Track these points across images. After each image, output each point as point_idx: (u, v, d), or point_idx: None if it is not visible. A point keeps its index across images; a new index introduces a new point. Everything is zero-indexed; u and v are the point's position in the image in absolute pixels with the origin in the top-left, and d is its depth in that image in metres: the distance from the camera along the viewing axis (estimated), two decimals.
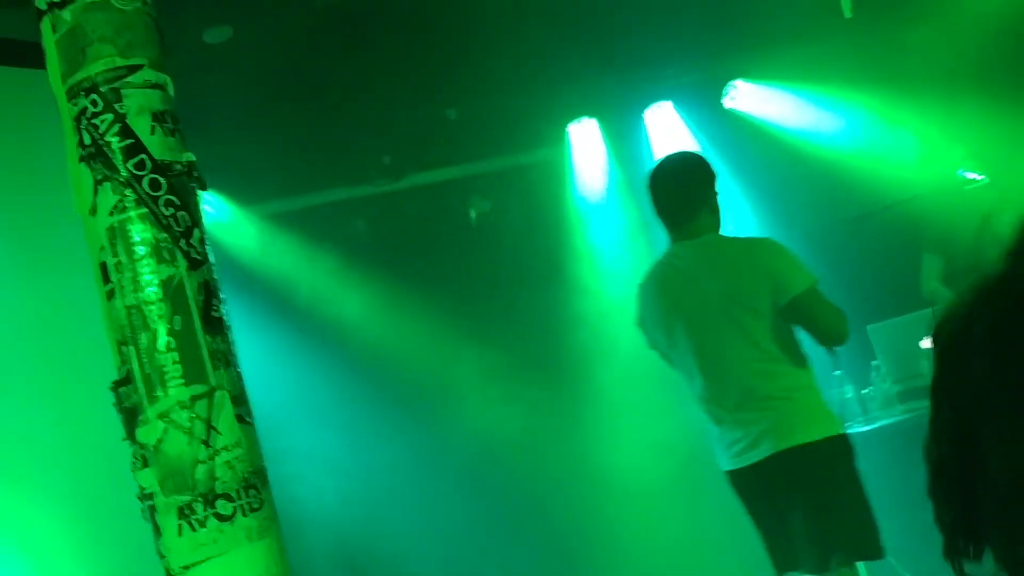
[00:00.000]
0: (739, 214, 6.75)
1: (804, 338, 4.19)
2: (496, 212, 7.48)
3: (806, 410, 4.07)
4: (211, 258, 2.60)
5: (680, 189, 4.27)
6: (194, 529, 2.41)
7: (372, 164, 7.10)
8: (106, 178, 2.52)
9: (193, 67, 5.52)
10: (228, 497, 2.42)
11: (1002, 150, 6.16)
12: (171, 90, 2.65)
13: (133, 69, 2.57)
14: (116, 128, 2.53)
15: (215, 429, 2.44)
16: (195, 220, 2.58)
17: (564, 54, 6.49)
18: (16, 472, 3.27)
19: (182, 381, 2.44)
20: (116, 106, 2.54)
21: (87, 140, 2.54)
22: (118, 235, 2.50)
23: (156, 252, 2.49)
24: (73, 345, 3.06)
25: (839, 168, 6.96)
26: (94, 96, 2.54)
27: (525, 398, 6.86)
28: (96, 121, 2.53)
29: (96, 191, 2.53)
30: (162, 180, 2.53)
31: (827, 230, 6.99)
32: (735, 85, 7.31)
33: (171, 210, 2.52)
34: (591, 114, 7.35)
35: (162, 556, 2.44)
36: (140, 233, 2.49)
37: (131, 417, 2.48)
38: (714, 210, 4.26)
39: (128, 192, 2.50)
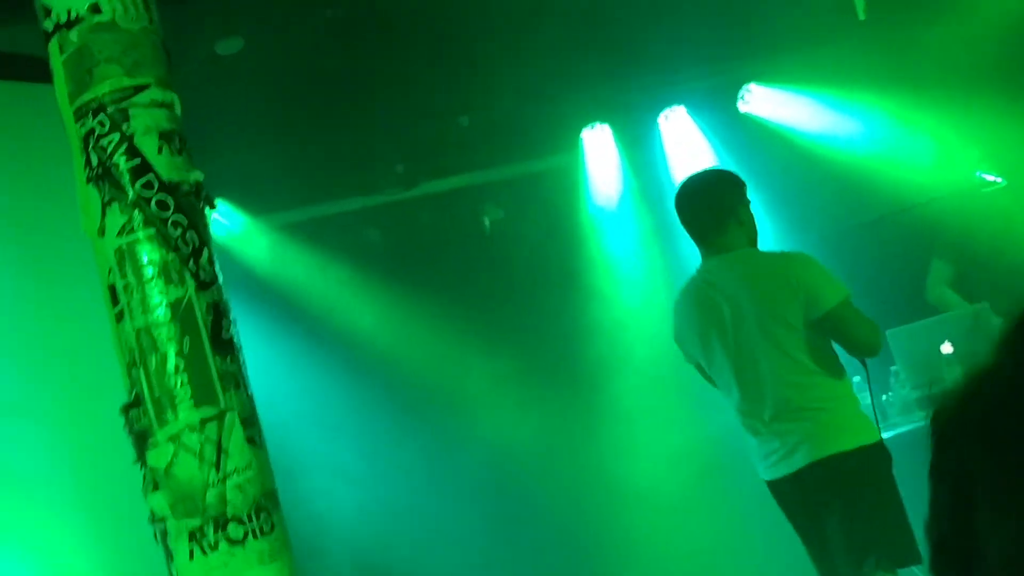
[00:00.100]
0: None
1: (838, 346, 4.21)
2: (509, 220, 7.45)
3: (842, 419, 4.10)
4: (220, 278, 2.58)
5: (705, 205, 4.29)
6: (205, 553, 2.39)
7: (385, 173, 7.08)
8: (114, 199, 2.51)
9: (205, 78, 5.53)
10: (239, 520, 2.41)
11: (1020, 152, 6.11)
12: (178, 109, 2.63)
13: (140, 89, 2.56)
14: (123, 148, 2.52)
15: (225, 452, 2.43)
16: (204, 240, 2.56)
17: (576, 60, 6.46)
18: (33, 493, 3.26)
19: (192, 403, 2.43)
20: (123, 126, 2.52)
21: (94, 161, 2.53)
22: (126, 256, 2.49)
23: (165, 273, 2.47)
24: (88, 364, 3.04)
25: (855, 172, 6.91)
26: (101, 116, 2.53)
27: (539, 407, 6.84)
28: (103, 142, 2.52)
29: (104, 212, 2.52)
30: (170, 200, 2.51)
31: (843, 234, 6.94)
32: (749, 89, 7.26)
33: (179, 231, 2.51)
34: (604, 120, 7.31)
35: None
36: (148, 254, 2.48)
37: (141, 440, 2.46)
38: (743, 223, 4.26)
39: (136, 213, 2.49)
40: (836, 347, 4.20)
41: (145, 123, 2.54)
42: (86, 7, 2.57)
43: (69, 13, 2.57)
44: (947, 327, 5.73)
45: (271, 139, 6.41)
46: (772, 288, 4.10)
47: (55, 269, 3.44)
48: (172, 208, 2.50)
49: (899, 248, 6.74)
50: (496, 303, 7.17)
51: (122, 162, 2.51)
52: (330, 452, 6.58)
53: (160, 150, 2.54)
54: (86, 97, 2.55)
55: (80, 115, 2.56)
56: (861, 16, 6.41)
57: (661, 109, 7.33)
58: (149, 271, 2.47)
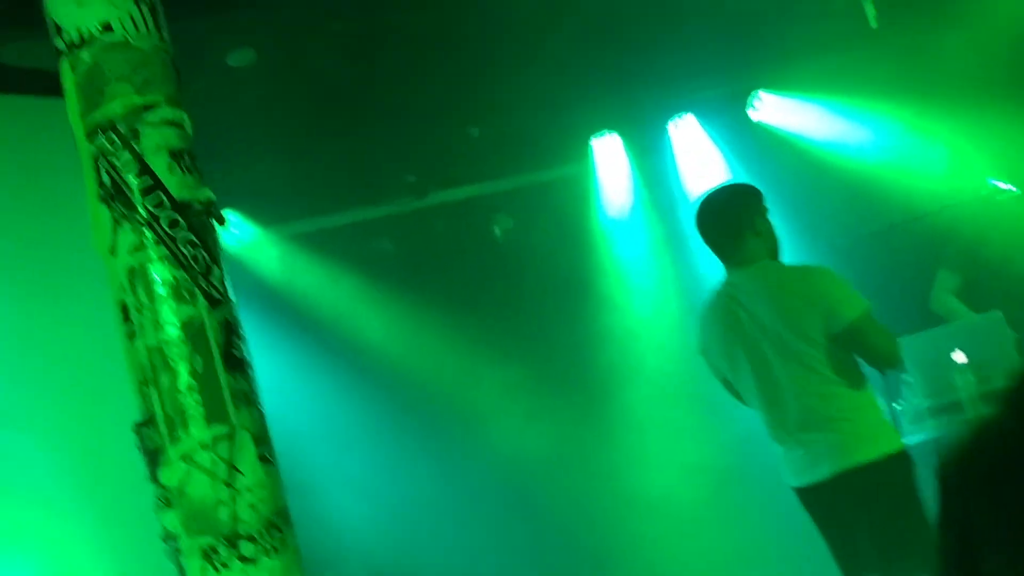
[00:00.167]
0: None
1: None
2: (520, 229, 7.46)
3: (865, 429, 4.14)
4: (231, 296, 2.59)
5: (721, 220, 4.36)
6: (218, 571, 2.39)
7: (396, 183, 7.10)
8: (125, 218, 2.51)
9: (217, 90, 5.56)
10: (251, 538, 2.41)
11: None
12: (188, 127, 2.63)
13: (150, 107, 2.56)
14: (134, 167, 2.52)
15: (237, 470, 2.43)
16: (214, 259, 2.56)
17: (586, 69, 6.47)
18: (48, 510, 3.28)
19: (204, 422, 2.43)
20: (133, 144, 2.53)
21: (106, 180, 2.53)
22: (138, 275, 2.49)
23: (176, 292, 2.48)
24: (102, 382, 3.05)
25: (866, 180, 6.91)
26: (112, 135, 2.54)
27: (551, 416, 6.84)
28: (114, 160, 2.53)
29: (115, 231, 2.52)
30: (181, 219, 2.51)
31: (854, 243, 6.92)
32: (759, 97, 7.25)
33: (190, 249, 2.51)
34: (614, 129, 7.32)
35: None
36: (160, 273, 2.48)
37: (154, 458, 2.47)
38: (760, 234, 4.31)
39: (147, 232, 2.49)
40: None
41: (155, 141, 2.55)
42: (98, 26, 2.57)
43: (80, 32, 2.58)
44: (959, 335, 5.71)
45: (283, 150, 6.44)
46: (792, 302, 4.15)
47: (68, 285, 3.46)
48: (183, 227, 2.51)
49: (911, 257, 6.73)
50: (507, 312, 7.18)
51: (133, 181, 2.51)
52: (341, 463, 6.59)
53: (170, 168, 2.54)
54: (97, 116, 2.56)
55: (91, 133, 2.57)
56: (873, 23, 6.40)
57: (671, 117, 7.34)
58: (160, 290, 2.47)
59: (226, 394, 2.46)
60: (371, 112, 6.37)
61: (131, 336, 2.50)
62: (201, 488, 2.41)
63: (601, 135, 7.32)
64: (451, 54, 5.99)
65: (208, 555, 2.39)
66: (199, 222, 2.55)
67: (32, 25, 2.95)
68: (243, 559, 2.39)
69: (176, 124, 2.60)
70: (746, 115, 7.30)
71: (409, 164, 7.05)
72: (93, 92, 2.57)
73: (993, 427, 1.26)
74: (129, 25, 2.59)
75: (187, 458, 2.42)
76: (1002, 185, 6.17)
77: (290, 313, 6.81)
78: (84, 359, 3.36)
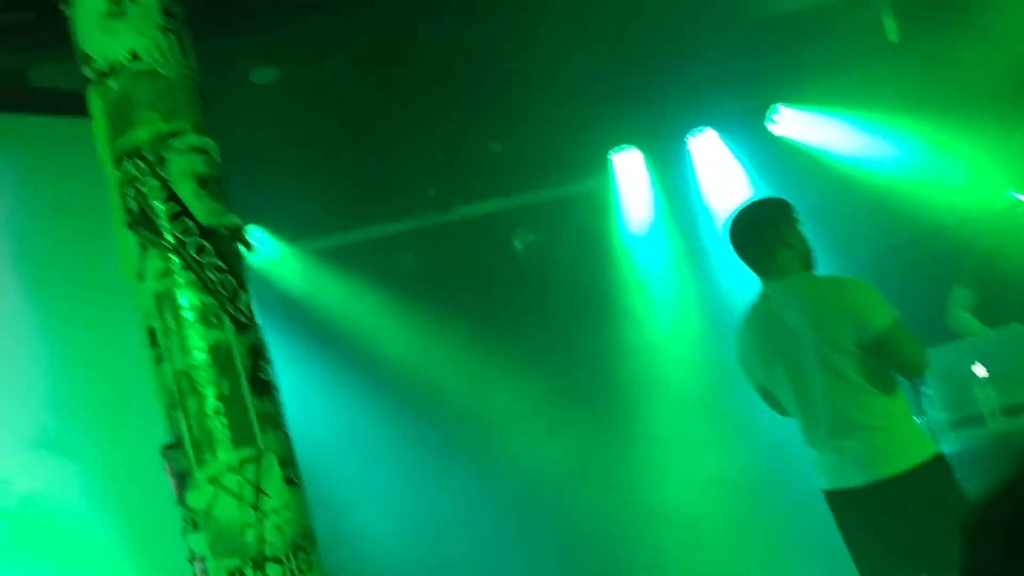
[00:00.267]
0: None
1: None
2: (542, 243, 7.48)
3: (900, 437, 4.20)
4: (257, 320, 2.62)
5: (751, 235, 4.43)
6: None
7: (419, 198, 7.14)
8: (152, 244, 2.55)
9: (241, 107, 5.61)
10: (278, 560, 2.44)
11: None
12: (215, 154, 2.68)
13: (177, 134, 2.61)
14: (161, 194, 2.56)
15: (264, 492, 2.46)
16: (241, 284, 2.60)
17: (607, 85, 6.50)
18: (77, 531, 3.31)
19: (231, 445, 2.47)
20: (160, 171, 2.57)
21: (133, 206, 2.58)
22: (165, 301, 2.53)
23: (203, 317, 2.51)
24: (131, 405, 3.09)
25: (886, 193, 6.90)
26: (139, 162, 2.58)
27: (573, 429, 6.86)
28: (141, 187, 2.57)
29: (143, 256, 2.56)
30: (208, 245, 2.55)
31: (874, 256, 6.92)
32: (779, 111, 7.26)
33: (217, 274, 2.55)
34: (635, 144, 7.34)
35: None
36: (187, 298, 2.52)
37: (181, 481, 2.50)
38: (792, 247, 4.37)
39: (174, 258, 2.53)
40: None
41: (182, 168, 2.59)
42: (125, 54, 2.62)
43: (109, 61, 2.62)
44: (979, 349, 5.70)
45: (306, 166, 6.48)
46: (825, 313, 4.22)
47: (98, 308, 3.49)
48: (210, 252, 2.55)
49: (930, 270, 6.71)
50: (529, 326, 7.20)
51: (160, 207, 2.55)
52: (365, 477, 6.62)
53: (197, 195, 2.58)
54: (124, 143, 2.60)
55: (118, 161, 2.61)
56: (892, 38, 6.40)
57: (691, 132, 7.35)
58: (188, 315, 2.51)
59: (252, 417, 2.50)
60: (394, 128, 6.41)
61: (159, 360, 2.54)
62: (228, 510, 2.44)
63: (621, 150, 7.33)
64: (473, 70, 6.02)
65: None
66: (226, 248, 2.59)
67: (60, 46, 3.00)
68: None
69: (202, 151, 2.64)
70: (766, 129, 7.30)
71: (431, 179, 7.09)
72: (120, 119, 2.61)
73: (1015, 482, 1.29)
74: (156, 53, 2.64)
75: (214, 481, 2.45)
76: (1022, 198, 6.16)
77: (314, 328, 6.84)
78: (113, 383, 3.40)
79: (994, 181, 6.43)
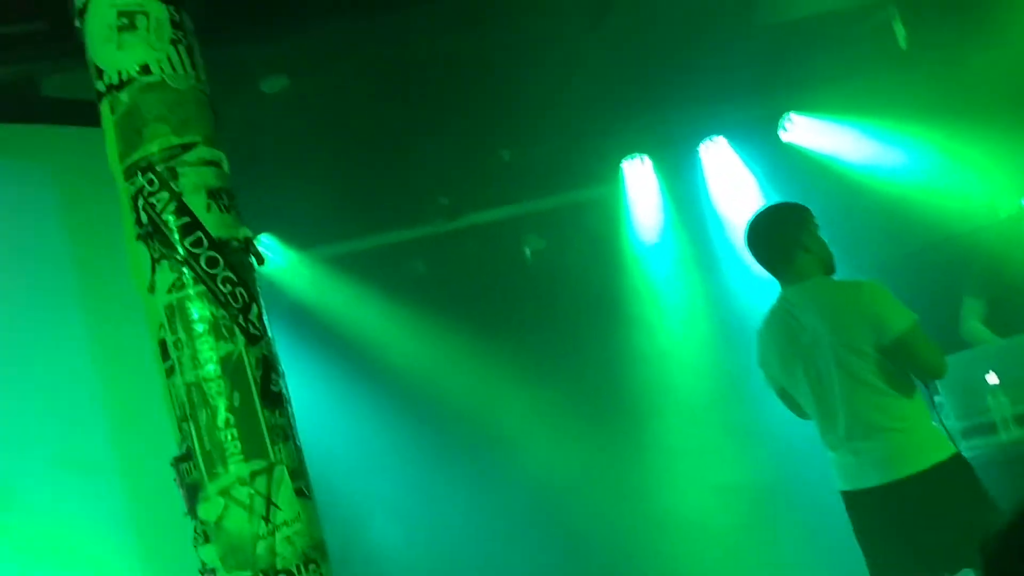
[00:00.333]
0: None
1: None
2: (551, 250, 7.49)
3: (917, 438, 4.22)
4: (269, 332, 2.63)
5: (769, 240, 4.49)
6: None
7: (429, 205, 7.15)
8: (164, 256, 2.56)
9: (251, 115, 5.62)
10: (289, 573, 2.45)
11: None
12: (226, 166, 2.69)
13: (188, 147, 2.62)
14: (172, 206, 2.57)
15: (275, 504, 2.47)
16: (252, 296, 2.61)
17: (617, 92, 6.50)
18: (90, 543, 3.32)
19: (241, 457, 2.48)
20: (172, 184, 2.58)
21: (144, 219, 2.59)
22: (177, 313, 2.54)
23: (215, 329, 2.52)
24: (142, 417, 3.10)
25: (897, 201, 6.89)
26: (150, 175, 2.59)
27: (583, 437, 6.85)
28: (153, 200, 2.58)
29: (154, 269, 2.58)
30: (219, 257, 2.56)
31: (886, 264, 6.90)
32: (790, 118, 7.26)
33: (229, 287, 2.56)
34: (645, 151, 7.34)
35: None
36: (198, 311, 2.53)
37: (192, 493, 2.51)
38: (810, 251, 4.42)
39: (186, 270, 2.55)
40: None
41: (193, 181, 2.60)
42: (136, 68, 2.63)
43: (120, 74, 2.64)
44: (991, 357, 5.69)
45: (316, 174, 6.49)
46: (844, 317, 4.26)
47: (110, 320, 3.50)
48: (221, 265, 2.56)
49: (942, 277, 6.70)
50: (538, 333, 7.20)
51: (171, 220, 2.57)
52: (374, 485, 6.62)
53: (209, 208, 2.59)
54: (136, 156, 2.61)
55: (130, 174, 2.62)
56: (902, 44, 6.40)
57: (701, 140, 7.35)
58: (199, 327, 2.52)
59: (264, 430, 2.51)
60: (403, 135, 6.41)
61: (170, 372, 2.55)
62: (239, 523, 2.45)
63: (632, 158, 7.34)
64: (482, 78, 6.03)
65: None
66: (237, 260, 2.60)
67: (72, 56, 3.01)
68: None
69: (214, 163, 2.65)
70: (777, 137, 7.30)
71: (442, 186, 7.10)
72: (132, 133, 2.62)
73: None
74: (167, 66, 2.65)
75: (225, 493, 2.46)
76: None
77: (323, 335, 6.85)
78: (124, 395, 3.41)
79: (1005, 188, 6.42)
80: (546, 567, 6.73)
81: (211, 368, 2.51)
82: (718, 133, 7.32)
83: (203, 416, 2.49)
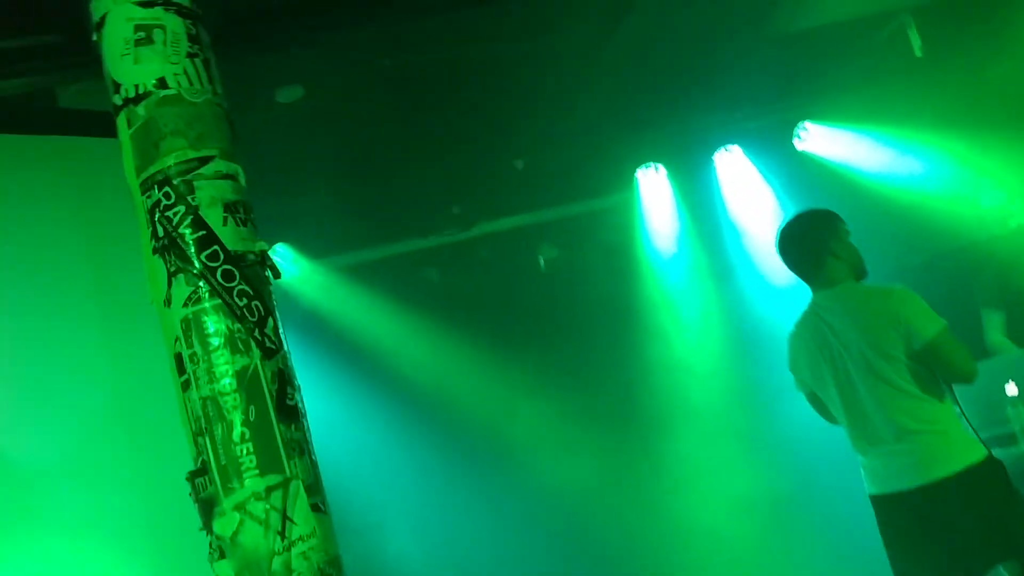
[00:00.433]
0: None
1: None
2: (565, 259, 7.49)
3: (948, 441, 4.24)
4: (285, 346, 2.62)
5: (799, 247, 4.55)
6: None
7: (442, 214, 7.16)
8: (180, 270, 2.56)
9: (266, 125, 5.63)
10: None
11: None
12: (242, 179, 2.68)
13: (205, 161, 2.61)
14: (189, 220, 2.57)
15: (290, 520, 2.46)
16: (268, 309, 2.60)
17: (631, 101, 6.50)
18: (105, 558, 3.31)
19: (257, 472, 2.47)
20: (189, 198, 2.58)
21: (160, 232, 2.58)
22: (192, 326, 2.53)
23: (231, 343, 2.52)
24: (158, 431, 3.09)
25: (912, 210, 6.87)
26: (167, 189, 2.59)
27: (597, 448, 6.84)
28: (169, 213, 2.57)
29: (170, 283, 2.57)
30: (235, 271, 2.56)
31: (901, 272, 6.87)
32: (805, 127, 7.24)
33: (245, 300, 2.55)
34: (659, 160, 7.33)
35: None
36: (214, 324, 2.53)
37: (207, 508, 2.50)
38: (840, 257, 4.46)
39: (202, 284, 2.54)
40: None
41: (210, 194, 2.59)
42: (153, 82, 2.63)
43: (137, 88, 2.63)
44: (1010, 367, 5.66)
45: (330, 183, 6.50)
46: (874, 322, 4.29)
47: (128, 332, 3.49)
48: (237, 279, 2.55)
49: (959, 285, 6.67)
50: (552, 341, 7.20)
51: (188, 233, 2.56)
52: (388, 497, 6.61)
53: (225, 221, 2.59)
54: (152, 170, 2.61)
55: (146, 187, 2.62)
56: (918, 53, 6.38)
57: (716, 148, 7.34)
58: (215, 341, 2.51)
59: (279, 444, 2.50)
60: (417, 146, 6.42)
61: (185, 386, 2.55)
62: (254, 538, 2.44)
63: (646, 167, 7.33)
64: (496, 87, 6.03)
65: None
66: (253, 273, 2.60)
67: (88, 67, 3.01)
68: None
69: (230, 176, 2.65)
70: (792, 146, 7.28)
71: (455, 195, 7.10)
72: (148, 146, 2.62)
73: None
74: (184, 80, 2.65)
75: (240, 508, 2.45)
76: None
77: (337, 344, 6.85)
78: (139, 409, 3.40)
79: (1019, 197, 6.39)
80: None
81: (227, 382, 2.50)
82: (733, 142, 7.31)
83: (219, 430, 2.49)
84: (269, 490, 2.46)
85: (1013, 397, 5.38)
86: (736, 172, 7.33)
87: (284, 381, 2.57)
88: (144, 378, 3.19)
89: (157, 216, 2.59)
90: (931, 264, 6.80)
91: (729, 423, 6.88)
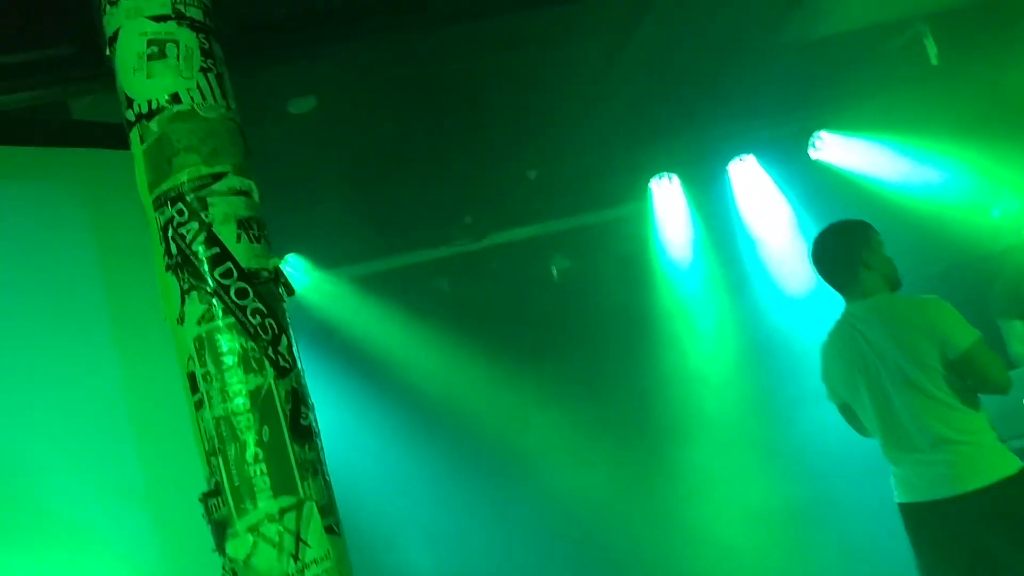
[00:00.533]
0: None
1: None
2: (577, 269, 7.47)
3: (983, 452, 4.25)
4: (299, 364, 2.59)
5: (832, 259, 4.61)
6: None
7: (454, 225, 7.14)
8: (193, 287, 2.52)
9: (278, 136, 5.62)
10: None
11: None
12: (256, 195, 2.65)
13: (218, 177, 2.58)
14: (202, 237, 2.53)
15: (304, 542, 2.42)
16: (282, 327, 2.56)
17: (645, 111, 6.48)
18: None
19: (271, 493, 2.43)
20: (202, 215, 2.54)
21: (174, 249, 2.55)
22: (206, 345, 2.50)
23: (244, 362, 2.48)
24: (169, 451, 3.07)
25: (929, 219, 6.84)
26: (180, 205, 2.55)
27: (612, 458, 6.82)
28: (183, 230, 2.54)
29: (183, 300, 2.53)
30: (249, 288, 2.52)
31: (917, 283, 6.83)
32: (820, 136, 7.21)
33: (258, 318, 2.51)
34: (673, 169, 7.31)
35: None
36: (228, 343, 2.49)
37: (220, 529, 2.46)
38: (873, 268, 4.52)
39: (215, 302, 2.50)
40: None
41: (224, 211, 2.56)
42: (166, 97, 2.60)
43: (150, 103, 2.60)
44: None
45: (343, 194, 6.49)
46: (908, 332, 4.33)
47: (139, 350, 3.47)
48: (251, 296, 2.51)
49: (974, 296, 6.62)
50: (564, 352, 7.18)
51: (201, 250, 2.53)
52: (401, 510, 6.59)
53: (239, 238, 2.55)
54: (165, 186, 2.57)
55: (159, 204, 2.58)
56: (934, 61, 6.34)
57: (731, 158, 7.32)
58: (228, 360, 2.48)
59: (293, 465, 2.46)
60: (429, 155, 6.41)
61: (198, 406, 2.51)
62: (267, 560, 2.40)
63: (660, 177, 7.31)
64: (508, 98, 6.01)
65: None
66: (267, 291, 2.56)
67: (100, 80, 2.99)
68: None
69: (244, 193, 2.61)
70: (807, 155, 7.26)
71: (467, 206, 7.09)
72: (161, 162, 2.58)
73: None
74: (197, 95, 2.62)
75: (254, 530, 2.41)
76: None
77: (349, 354, 6.84)
78: (151, 429, 3.37)
79: None
80: None
81: (240, 402, 2.46)
82: (747, 151, 7.29)
83: (232, 451, 2.45)
84: (283, 511, 2.42)
85: None
86: (750, 182, 7.30)
87: (298, 400, 2.53)
88: (158, 397, 3.16)
89: (171, 233, 2.55)
90: (947, 274, 6.76)
91: (743, 433, 6.85)
